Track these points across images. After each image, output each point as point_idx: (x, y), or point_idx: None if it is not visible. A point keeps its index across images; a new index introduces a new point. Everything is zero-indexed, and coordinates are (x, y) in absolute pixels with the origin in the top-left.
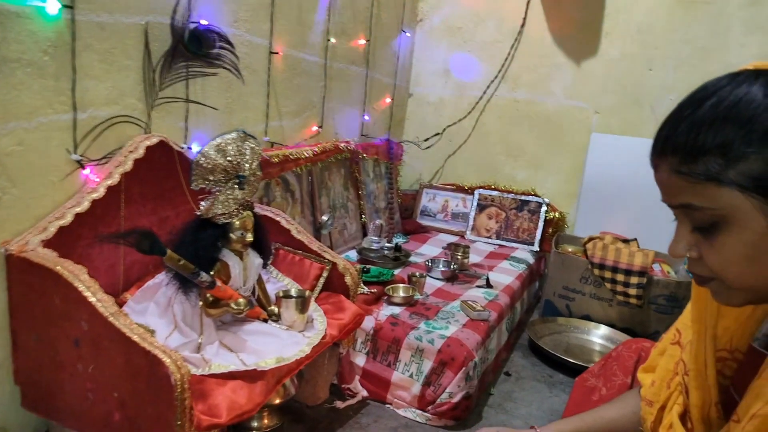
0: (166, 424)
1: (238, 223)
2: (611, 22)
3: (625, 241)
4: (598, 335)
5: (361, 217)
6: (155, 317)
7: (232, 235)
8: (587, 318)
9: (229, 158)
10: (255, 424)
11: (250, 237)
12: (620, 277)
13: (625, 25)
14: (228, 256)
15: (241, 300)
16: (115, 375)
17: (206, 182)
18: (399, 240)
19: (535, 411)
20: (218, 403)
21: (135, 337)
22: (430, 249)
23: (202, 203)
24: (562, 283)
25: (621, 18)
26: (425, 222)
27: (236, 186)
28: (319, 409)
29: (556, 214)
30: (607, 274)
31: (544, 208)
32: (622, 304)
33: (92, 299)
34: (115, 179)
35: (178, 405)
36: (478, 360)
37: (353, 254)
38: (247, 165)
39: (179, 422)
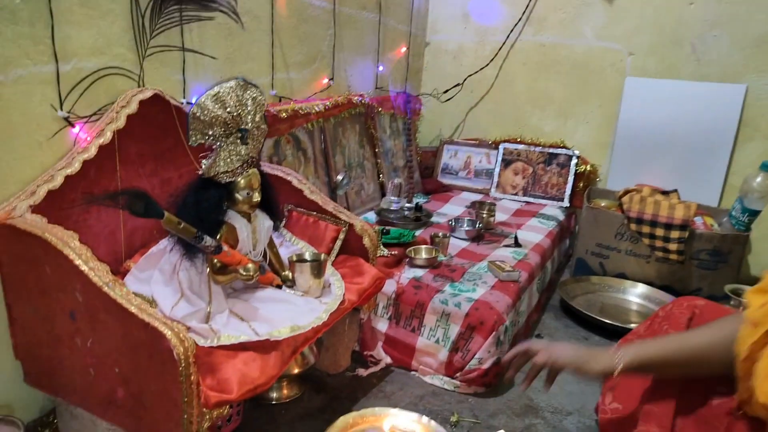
0: (171, 401)
1: (243, 181)
2: None
3: (665, 192)
4: (636, 294)
5: (379, 177)
6: (160, 285)
7: (237, 195)
8: (623, 276)
9: (228, 110)
10: (274, 394)
11: (257, 197)
12: (660, 232)
13: None
14: (234, 219)
15: (250, 265)
16: (114, 349)
17: (205, 137)
18: (419, 200)
19: (571, 376)
20: (228, 377)
21: (132, 308)
22: (452, 209)
23: (204, 161)
24: (595, 240)
25: None
26: (447, 180)
27: (239, 141)
28: (341, 378)
29: (588, 167)
30: (645, 229)
31: (574, 161)
32: (661, 261)
33: (84, 268)
34: (107, 137)
35: (183, 381)
36: (509, 324)
37: (371, 216)
38: (249, 117)
39: (185, 399)
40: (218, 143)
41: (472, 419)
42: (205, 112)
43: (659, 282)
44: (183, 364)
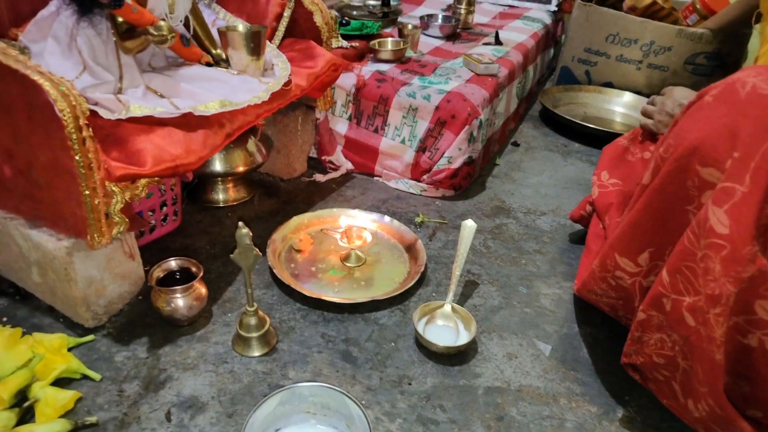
0: (67, 174)
1: None
2: None
3: None
4: (621, 103)
5: None
6: (57, 58)
7: None
8: (609, 86)
9: None
10: (220, 197)
11: None
12: None
13: None
14: None
15: (162, 23)
16: None
17: None
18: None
19: (547, 179)
20: (140, 149)
21: None
22: (427, 11)
23: None
24: (583, 45)
25: None
26: None
27: None
28: (296, 183)
29: None
30: None
31: None
32: (653, 68)
33: None
34: None
35: (75, 144)
36: (484, 119)
37: None
38: None
39: (82, 170)
40: None
41: (438, 219)
42: None
43: (647, 91)
44: (70, 124)
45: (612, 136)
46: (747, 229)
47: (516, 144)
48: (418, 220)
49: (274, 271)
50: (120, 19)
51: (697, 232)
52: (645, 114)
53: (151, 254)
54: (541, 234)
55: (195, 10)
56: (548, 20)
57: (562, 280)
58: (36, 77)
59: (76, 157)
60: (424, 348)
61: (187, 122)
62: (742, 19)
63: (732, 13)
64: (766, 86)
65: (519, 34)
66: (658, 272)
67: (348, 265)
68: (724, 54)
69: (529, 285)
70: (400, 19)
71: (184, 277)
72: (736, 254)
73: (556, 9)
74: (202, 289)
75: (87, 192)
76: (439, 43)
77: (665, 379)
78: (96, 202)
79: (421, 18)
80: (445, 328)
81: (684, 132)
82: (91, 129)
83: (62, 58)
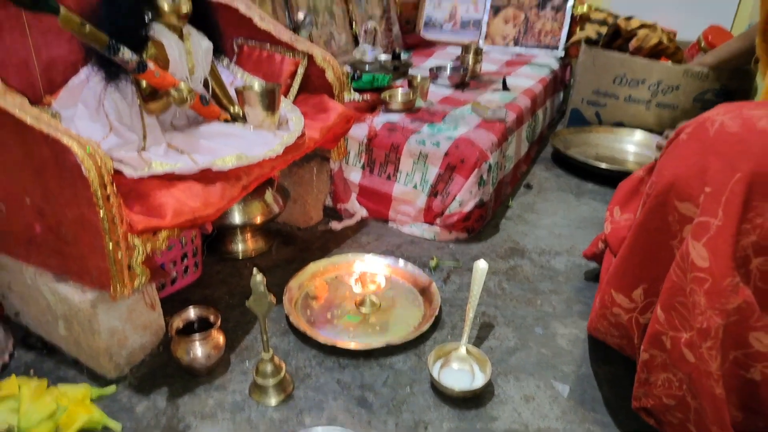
0: (92, 229)
1: None
2: None
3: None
4: (633, 142)
5: (351, 26)
6: (85, 121)
7: (160, 2)
8: (620, 125)
9: None
10: (239, 247)
11: (185, 4)
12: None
13: None
14: (161, 33)
15: (182, 84)
16: (20, 176)
17: None
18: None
19: (561, 220)
20: (162, 203)
21: (28, 119)
22: (436, 63)
23: None
24: (591, 87)
25: None
26: (430, 35)
27: None
28: (312, 231)
29: (584, 8)
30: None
31: (570, 2)
32: (661, 107)
33: None
34: None
35: (99, 201)
36: (493, 162)
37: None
38: None
39: (106, 224)
40: None
41: (452, 262)
42: None
43: (659, 129)
44: (95, 182)
45: (625, 175)
46: (725, 261)
47: (529, 186)
48: (432, 263)
49: (290, 318)
50: (144, 83)
51: (683, 267)
52: (659, 148)
53: (172, 305)
54: (556, 274)
55: (214, 72)
56: (555, 65)
57: (578, 320)
58: (65, 140)
59: (101, 213)
60: (439, 392)
61: (206, 176)
62: (739, 55)
63: (728, 49)
64: (732, 124)
65: (526, 79)
66: (654, 309)
67: (363, 310)
68: (732, 90)
69: (546, 325)
70: (410, 71)
71: (203, 326)
72: (718, 287)
73: (563, 54)
74: (220, 338)
75: (110, 245)
76: (448, 92)
77: (680, 422)
78: (119, 255)
79: (431, 69)
80: (461, 371)
81: (662, 169)
82: (114, 186)
83: (90, 121)
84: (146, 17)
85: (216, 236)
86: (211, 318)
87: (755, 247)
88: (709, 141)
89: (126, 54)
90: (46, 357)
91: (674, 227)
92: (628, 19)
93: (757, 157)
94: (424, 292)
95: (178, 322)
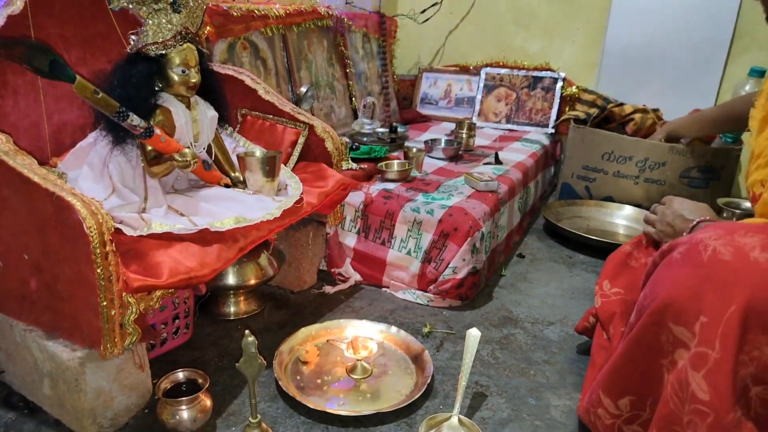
0: (87, 286)
1: (177, 58)
2: None
3: (645, 111)
4: (622, 216)
5: (351, 101)
6: (89, 182)
7: (171, 73)
8: (610, 200)
9: None
10: (231, 309)
11: (195, 76)
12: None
13: None
14: (169, 102)
15: (186, 150)
16: (21, 232)
17: (128, 1)
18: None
19: (554, 290)
20: (158, 262)
21: (35, 178)
22: (431, 136)
23: (132, 37)
24: (581, 163)
25: None
26: (426, 111)
27: (169, 7)
28: (306, 295)
29: (574, 89)
30: None
31: (559, 84)
32: (650, 182)
33: None
34: (17, 6)
35: (98, 258)
36: (486, 231)
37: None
38: None
39: (102, 282)
40: (146, 9)
41: (446, 330)
42: None
43: (647, 204)
44: (95, 239)
45: (615, 247)
46: (726, 395)
47: (521, 256)
48: (425, 330)
49: (280, 383)
50: (149, 147)
51: (681, 396)
52: (647, 222)
53: (160, 367)
54: (550, 344)
55: (217, 139)
56: (546, 141)
57: (572, 391)
58: (69, 198)
59: (98, 270)
60: None
61: (203, 237)
62: (714, 127)
63: (702, 118)
64: (725, 251)
65: (518, 154)
66: (640, 423)
67: (354, 377)
68: (716, 168)
69: (539, 396)
70: (406, 143)
71: (191, 388)
72: (721, 422)
73: (553, 131)
74: (207, 402)
75: (104, 303)
76: (442, 164)
77: None
78: (112, 312)
79: (426, 142)
80: None
81: (656, 286)
82: (113, 244)
83: (94, 182)
84: (156, 87)
85: (208, 297)
86: (200, 381)
87: (753, 378)
88: (702, 267)
89: (134, 120)
90: (27, 417)
91: (666, 347)
92: (620, 105)
93: (751, 290)
94: (417, 359)
95: (165, 384)
